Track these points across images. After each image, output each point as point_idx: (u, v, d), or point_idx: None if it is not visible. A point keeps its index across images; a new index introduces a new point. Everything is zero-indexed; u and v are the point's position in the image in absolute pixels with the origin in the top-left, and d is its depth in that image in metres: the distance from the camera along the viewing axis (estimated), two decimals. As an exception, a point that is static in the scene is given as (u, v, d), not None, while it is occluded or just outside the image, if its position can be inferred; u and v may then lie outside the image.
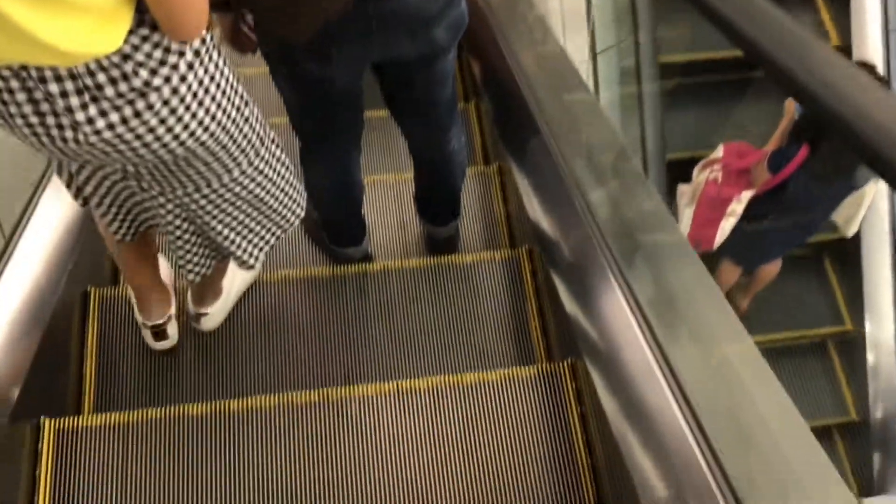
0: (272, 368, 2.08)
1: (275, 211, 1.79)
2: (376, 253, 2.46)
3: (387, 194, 2.59)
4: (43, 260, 1.92)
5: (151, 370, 2.06)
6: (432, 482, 1.76)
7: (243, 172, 1.59)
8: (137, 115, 1.33)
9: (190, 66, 1.36)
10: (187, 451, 1.78)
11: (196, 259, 1.78)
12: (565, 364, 1.92)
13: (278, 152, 1.73)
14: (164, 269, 2.13)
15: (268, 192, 1.71)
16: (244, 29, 1.78)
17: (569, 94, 2.19)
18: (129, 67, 1.29)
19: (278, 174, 1.73)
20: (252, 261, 1.85)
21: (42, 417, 1.78)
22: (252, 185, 1.65)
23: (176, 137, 1.40)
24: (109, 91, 1.30)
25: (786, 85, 0.93)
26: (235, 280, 2.14)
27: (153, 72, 1.31)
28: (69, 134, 1.34)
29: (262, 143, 1.63)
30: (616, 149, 2.06)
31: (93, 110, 1.31)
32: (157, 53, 1.31)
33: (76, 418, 1.81)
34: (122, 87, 1.30)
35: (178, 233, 1.68)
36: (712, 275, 3.50)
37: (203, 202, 1.61)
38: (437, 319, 2.18)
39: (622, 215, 1.91)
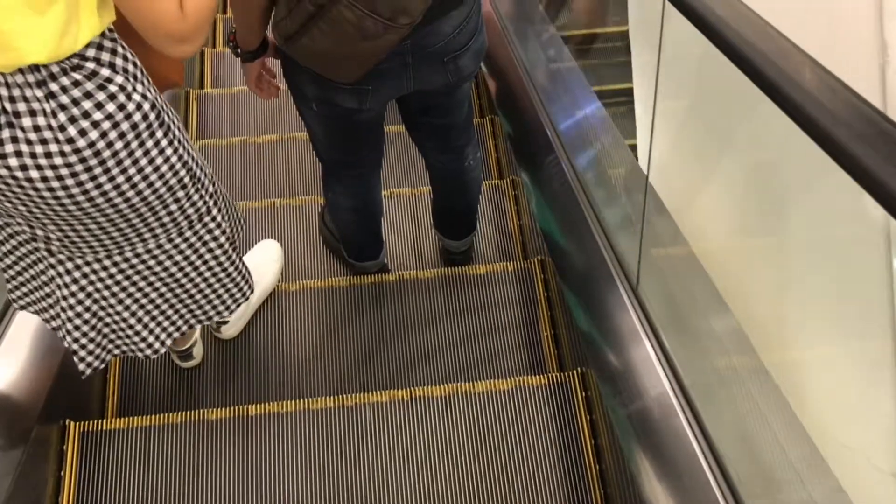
0: (289, 375, 2.13)
1: (192, 299, 1.64)
2: (392, 263, 2.50)
3: (403, 207, 2.64)
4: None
5: (172, 376, 2.11)
6: (443, 488, 1.80)
7: (160, 246, 1.48)
8: (48, 155, 1.25)
9: (120, 134, 1.28)
10: (206, 455, 1.83)
11: (89, 346, 1.59)
12: (575, 373, 1.96)
13: (221, 240, 1.56)
14: None
15: (187, 277, 1.57)
16: (266, 76, 1.82)
17: (581, 110, 2.24)
18: (48, 106, 1.22)
19: (204, 263, 1.57)
20: (151, 351, 1.65)
21: (67, 420, 1.84)
22: (168, 264, 1.52)
23: (85, 193, 1.30)
24: (26, 121, 1.23)
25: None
26: (256, 289, 2.20)
27: (72, 119, 1.24)
28: None
29: (191, 226, 1.49)
30: (628, 165, 2.10)
31: (5, 133, 1.24)
32: (86, 104, 1.24)
33: (100, 421, 1.87)
34: (40, 121, 1.23)
35: (71, 313, 1.51)
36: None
37: (113, 270, 1.49)
38: (450, 329, 2.22)
39: (632, 230, 1.95)
